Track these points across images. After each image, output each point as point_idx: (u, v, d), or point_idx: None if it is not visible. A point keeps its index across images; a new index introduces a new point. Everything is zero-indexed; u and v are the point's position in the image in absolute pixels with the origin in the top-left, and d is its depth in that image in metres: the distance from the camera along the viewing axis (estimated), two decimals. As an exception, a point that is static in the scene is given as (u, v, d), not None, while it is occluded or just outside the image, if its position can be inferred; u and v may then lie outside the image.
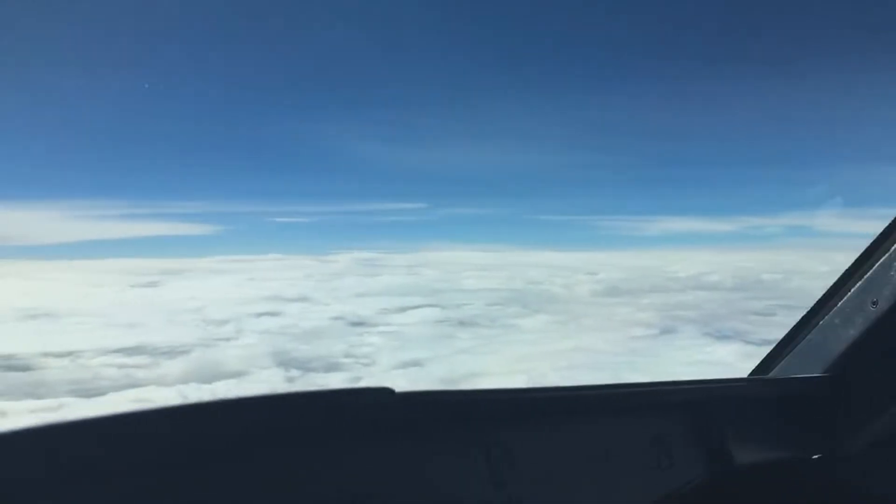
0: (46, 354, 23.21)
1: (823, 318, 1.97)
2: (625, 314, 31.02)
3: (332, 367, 21.50)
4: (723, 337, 24.52)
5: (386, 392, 1.25)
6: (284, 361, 21.71)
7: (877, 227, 1.81)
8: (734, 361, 20.22)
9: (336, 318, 31.13)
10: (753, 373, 2.07)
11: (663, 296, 36.60)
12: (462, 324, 29.56)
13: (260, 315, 31.64)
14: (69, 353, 23.52)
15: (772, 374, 2.02)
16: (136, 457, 1.00)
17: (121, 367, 21.82)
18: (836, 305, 1.92)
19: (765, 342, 23.19)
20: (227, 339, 25.99)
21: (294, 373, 20.57)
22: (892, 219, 1.75)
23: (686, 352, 22.14)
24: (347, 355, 23.44)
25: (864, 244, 1.86)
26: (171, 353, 23.48)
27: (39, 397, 17.49)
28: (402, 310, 33.20)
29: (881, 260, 1.78)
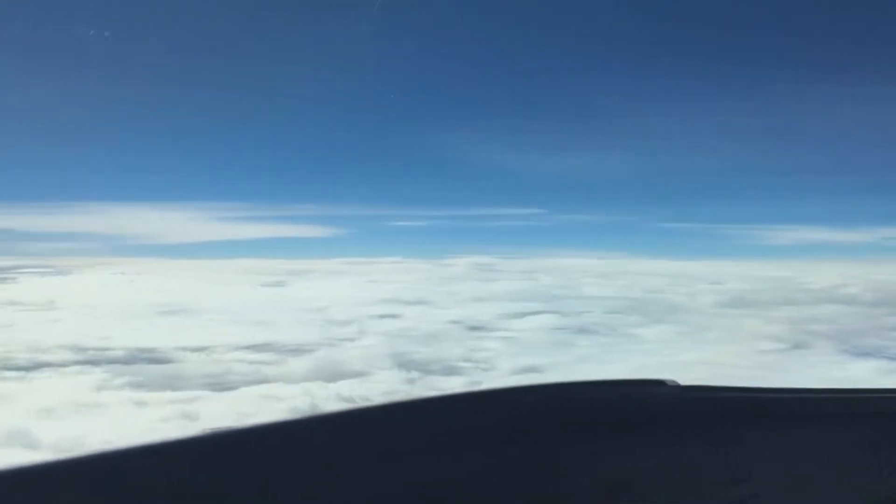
0: (182, 349, 24.43)
1: None
2: (752, 327, 29.69)
3: (450, 371, 21.64)
4: (861, 353, 23.02)
5: (662, 384, 1.32)
6: (404, 363, 21.99)
7: None
8: (873, 378, 19.01)
9: (454, 322, 31.29)
10: None
11: (795, 309, 34.75)
12: (581, 331, 29.15)
13: (380, 317, 32.16)
14: (203, 348, 24.69)
15: None
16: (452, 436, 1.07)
17: (250, 362, 22.69)
18: None
19: (908, 359, 21.74)
20: (350, 340, 26.57)
21: (413, 374, 20.79)
22: None
23: (820, 368, 20.99)
24: (466, 359, 23.54)
25: None
26: (297, 351, 24.25)
27: (177, 389, 18.36)
28: (520, 315, 33.03)
29: None
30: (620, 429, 1.32)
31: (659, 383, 1.38)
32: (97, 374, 20.46)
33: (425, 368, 21.66)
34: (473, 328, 30.20)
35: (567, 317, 32.83)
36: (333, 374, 19.98)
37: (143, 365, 21.93)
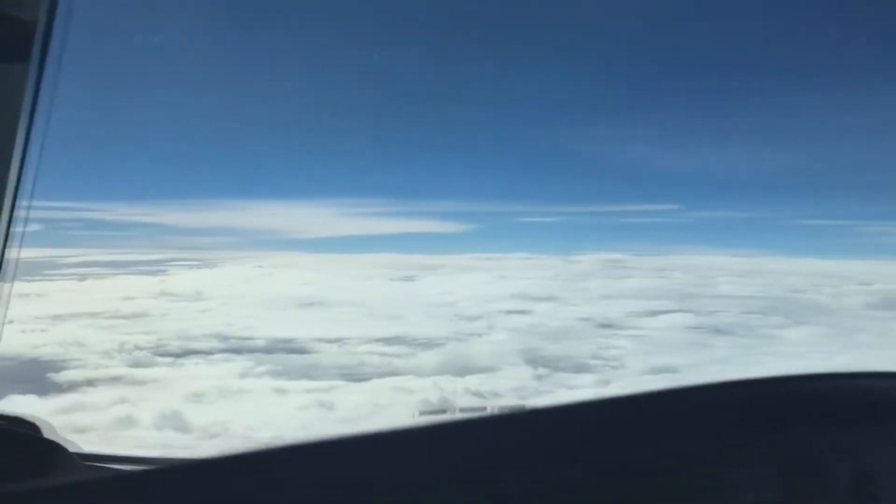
0: (319, 339, 25.29)
1: None
2: (907, 330, 27.71)
3: (580, 368, 21.37)
4: None
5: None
6: (533, 359, 21.88)
7: None
8: None
9: (583, 319, 30.77)
10: None
11: (957, 312, 32.11)
12: (717, 331, 28.02)
13: (509, 312, 32.05)
14: (338, 340, 25.46)
15: None
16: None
17: (382, 355, 23.23)
18: None
19: None
20: (479, 335, 26.65)
21: (542, 371, 20.67)
22: None
23: None
24: (595, 357, 23.17)
25: None
26: (427, 344, 24.57)
27: (313, 378, 19.07)
28: (652, 313, 32.11)
29: None
30: (862, 421, 1.31)
31: (892, 375, 1.36)
32: (240, 361, 21.52)
33: (554, 365, 21.48)
34: (603, 325, 29.61)
35: (702, 316, 31.64)
36: (462, 369, 20.13)
37: (283, 354, 22.87)
